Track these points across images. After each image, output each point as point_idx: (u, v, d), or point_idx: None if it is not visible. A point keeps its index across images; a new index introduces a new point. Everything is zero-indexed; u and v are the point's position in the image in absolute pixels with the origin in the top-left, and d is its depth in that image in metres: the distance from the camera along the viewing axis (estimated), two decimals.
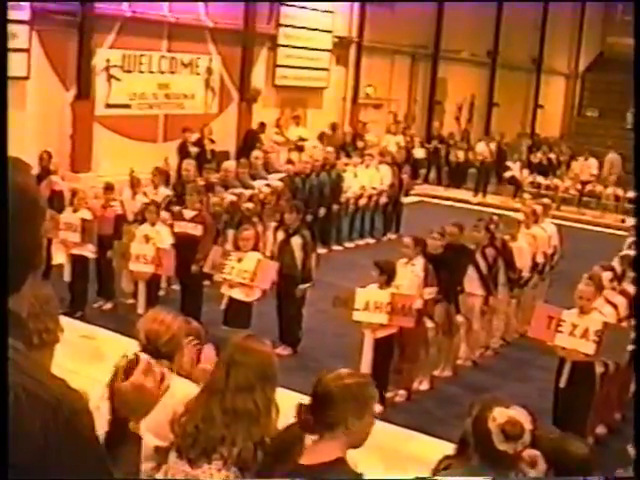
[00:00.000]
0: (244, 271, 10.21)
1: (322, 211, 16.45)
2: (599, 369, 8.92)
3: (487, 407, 3.70)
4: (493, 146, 26.09)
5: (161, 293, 12.25)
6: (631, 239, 13.35)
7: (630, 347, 8.82)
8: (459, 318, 10.83)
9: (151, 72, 19.19)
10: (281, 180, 16.40)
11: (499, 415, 3.65)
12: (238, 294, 10.28)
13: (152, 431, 4.43)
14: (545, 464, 4.12)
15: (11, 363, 1.68)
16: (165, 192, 13.42)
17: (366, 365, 9.18)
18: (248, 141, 20.41)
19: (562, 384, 8.64)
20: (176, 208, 12.35)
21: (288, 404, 4.24)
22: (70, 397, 1.73)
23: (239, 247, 10.65)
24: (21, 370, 1.69)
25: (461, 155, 25.81)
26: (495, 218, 12.58)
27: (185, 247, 11.43)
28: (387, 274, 9.36)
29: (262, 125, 21.16)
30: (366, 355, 9.30)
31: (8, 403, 1.62)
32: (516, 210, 16.58)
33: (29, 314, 4.20)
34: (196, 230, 11.73)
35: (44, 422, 1.66)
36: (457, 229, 11.12)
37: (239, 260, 10.31)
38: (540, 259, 12.62)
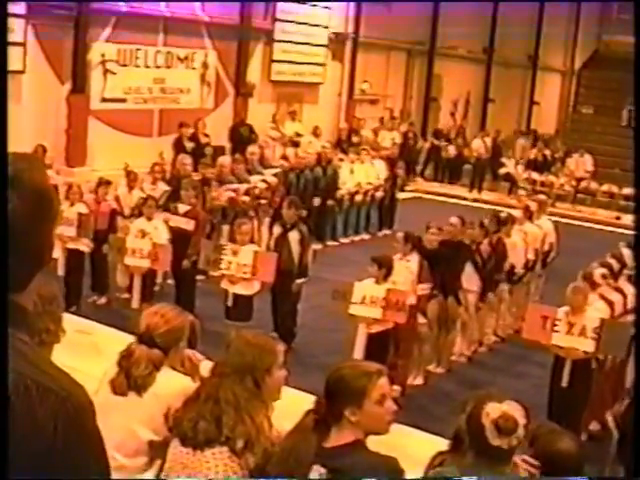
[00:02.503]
0: (243, 265, 10.23)
1: (317, 201, 16.43)
2: (593, 365, 8.95)
3: (481, 402, 3.71)
4: (489, 142, 26.13)
5: (156, 288, 12.25)
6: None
7: (629, 343, 8.84)
8: (462, 311, 10.87)
9: (147, 66, 19.14)
10: (275, 175, 16.39)
11: (492, 410, 3.64)
12: (239, 289, 10.30)
13: (146, 425, 4.44)
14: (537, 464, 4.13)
15: (20, 355, 1.69)
16: (164, 188, 13.40)
17: (358, 358, 9.20)
18: (235, 137, 20.39)
19: (564, 383, 8.64)
20: (171, 203, 12.36)
21: (284, 399, 4.25)
22: (77, 390, 1.75)
23: (236, 241, 10.67)
24: (30, 362, 1.70)
25: (452, 150, 25.81)
26: (503, 215, 12.54)
27: (179, 242, 11.43)
28: (385, 269, 9.39)
29: (240, 117, 21.14)
30: (358, 348, 9.34)
31: (9, 400, 1.63)
32: (511, 206, 16.60)
33: (32, 312, 4.20)
34: (188, 225, 11.72)
35: (54, 413, 1.67)
36: (459, 222, 11.16)
37: (234, 253, 10.32)
38: (531, 256, 12.60)
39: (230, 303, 10.40)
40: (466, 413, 3.77)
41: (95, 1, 17.31)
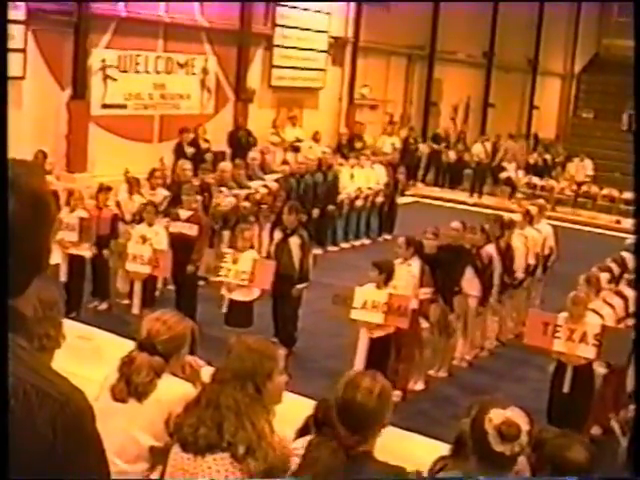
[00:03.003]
0: (242, 272, 10.21)
1: (316, 212, 16.43)
2: (602, 370, 8.94)
3: (485, 408, 3.71)
4: (489, 147, 26.15)
5: (156, 294, 12.22)
6: (630, 241, 13.29)
7: (630, 349, 8.83)
8: (453, 318, 10.85)
9: (147, 72, 19.15)
10: (276, 181, 16.40)
11: (495, 416, 3.65)
12: (238, 295, 10.29)
13: (147, 430, 4.43)
14: (529, 468, 4.14)
15: (19, 360, 1.70)
16: (163, 193, 13.39)
17: (359, 363, 9.19)
18: (233, 142, 20.37)
19: (566, 389, 8.63)
20: (172, 209, 12.34)
21: (285, 404, 4.25)
22: (76, 395, 1.76)
23: (237, 246, 10.65)
24: (28, 367, 1.71)
25: (452, 155, 25.82)
26: (507, 218, 12.55)
27: (180, 247, 11.40)
28: (386, 274, 9.38)
29: (236, 121, 21.13)
30: (360, 353, 9.32)
31: (9, 402, 1.63)
32: (511, 211, 16.60)
33: (31, 318, 4.19)
34: (192, 230, 11.70)
35: (52, 418, 1.68)
36: (461, 226, 11.14)
37: (234, 261, 10.30)
38: (532, 260, 12.60)
39: (224, 310, 10.39)
40: (470, 418, 3.78)
41: (94, 1, 17.30)
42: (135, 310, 10.90)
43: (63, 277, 11.68)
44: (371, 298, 9.32)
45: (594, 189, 25.42)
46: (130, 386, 4.44)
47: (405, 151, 24.24)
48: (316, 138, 21.98)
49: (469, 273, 11.01)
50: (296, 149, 20.74)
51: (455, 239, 11.00)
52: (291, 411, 4.30)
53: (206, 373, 4.62)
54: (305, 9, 22.98)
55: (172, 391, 4.40)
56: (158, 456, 4.38)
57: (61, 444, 1.69)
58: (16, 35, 15.63)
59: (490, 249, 11.44)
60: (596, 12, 35.33)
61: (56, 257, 12.01)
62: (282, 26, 22.48)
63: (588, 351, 8.54)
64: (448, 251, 10.73)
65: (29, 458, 1.66)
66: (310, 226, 14.82)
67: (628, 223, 21.43)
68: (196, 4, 19.89)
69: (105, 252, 11.90)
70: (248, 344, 4.16)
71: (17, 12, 15.57)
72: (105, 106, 18.30)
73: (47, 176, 13.57)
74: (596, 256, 11.89)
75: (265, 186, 15.91)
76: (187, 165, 14.35)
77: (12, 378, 1.66)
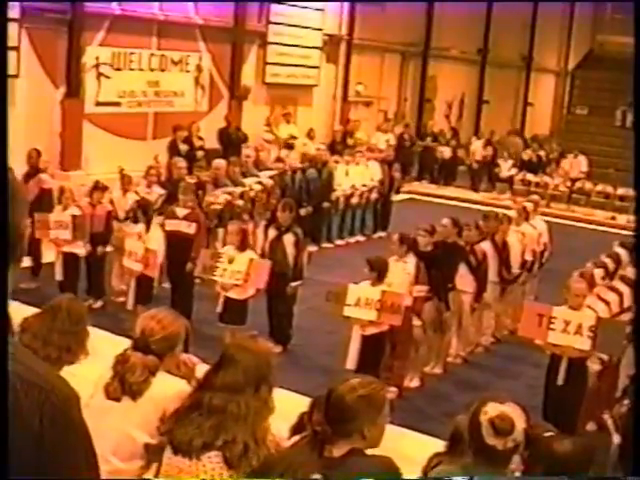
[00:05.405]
0: (237, 272, 10.18)
1: (309, 209, 16.41)
2: (596, 367, 8.94)
3: (483, 402, 3.72)
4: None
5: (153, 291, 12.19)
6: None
7: (624, 342, 8.84)
8: (448, 315, 10.85)
9: (141, 70, 19.13)
10: (271, 178, 16.38)
11: (491, 409, 3.66)
12: (233, 294, 10.28)
13: (141, 428, 4.43)
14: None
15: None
16: (159, 191, 13.36)
17: (352, 360, 9.19)
18: (223, 139, 20.30)
19: (560, 381, 8.64)
20: (168, 207, 12.31)
21: (279, 401, 4.25)
22: (60, 382, 1.77)
23: (227, 243, 10.64)
24: (12, 358, 1.71)
25: (446, 151, 25.81)
26: (500, 214, 12.57)
27: (178, 245, 11.37)
28: (379, 271, 9.36)
29: (226, 119, 21.07)
30: (352, 351, 9.29)
31: (8, 399, 1.64)
32: (506, 207, 16.62)
33: (57, 329, 4.24)
34: (190, 228, 11.64)
35: (38, 407, 1.70)
36: (450, 223, 11.14)
37: (230, 261, 10.28)
38: (528, 257, 12.61)
39: (219, 309, 10.37)
40: (469, 412, 3.80)
41: (89, 1, 17.26)
42: (129, 306, 10.89)
43: (59, 276, 11.65)
44: (364, 295, 9.29)
45: (588, 185, 25.42)
46: (124, 385, 4.44)
47: (400, 148, 24.25)
48: (310, 135, 21.99)
49: (462, 270, 11.01)
50: (290, 146, 20.72)
51: (444, 236, 10.99)
52: (286, 408, 4.30)
53: (200, 370, 4.62)
54: (299, 6, 22.96)
55: (166, 388, 4.40)
56: (153, 454, 4.38)
57: (48, 432, 1.71)
58: (10, 33, 15.60)
59: (485, 245, 11.46)
60: (590, 9, 35.35)
61: (50, 255, 12.01)
62: (276, 23, 22.46)
63: (582, 343, 8.55)
64: (442, 248, 10.73)
65: (16, 447, 1.66)
66: (305, 223, 14.81)
67: (623, 219, 21.51)
68: (190, 2, 19.86)
69: (99, 249, 11.89)
70: (248, 347, 4.17)
71: (11, 10, 15.54)
72: (99, 104, 18.29)
73: (42, 174, 13.56)
74: (591, 252, 11.90)
75: (259, 183, 15.90)
76: (181, 163, 14.34)
77: None
